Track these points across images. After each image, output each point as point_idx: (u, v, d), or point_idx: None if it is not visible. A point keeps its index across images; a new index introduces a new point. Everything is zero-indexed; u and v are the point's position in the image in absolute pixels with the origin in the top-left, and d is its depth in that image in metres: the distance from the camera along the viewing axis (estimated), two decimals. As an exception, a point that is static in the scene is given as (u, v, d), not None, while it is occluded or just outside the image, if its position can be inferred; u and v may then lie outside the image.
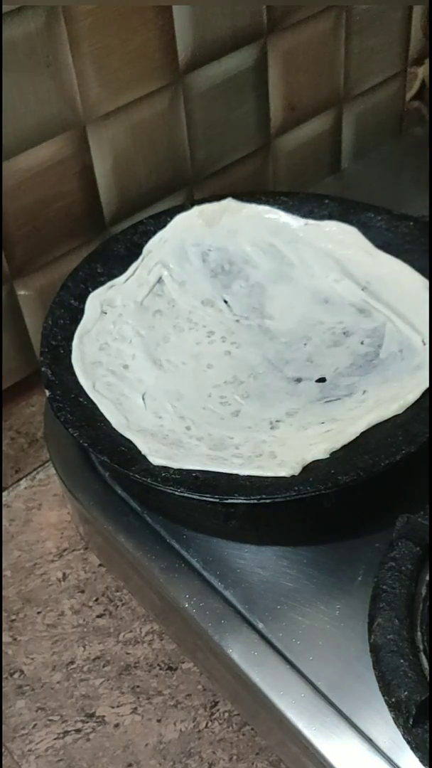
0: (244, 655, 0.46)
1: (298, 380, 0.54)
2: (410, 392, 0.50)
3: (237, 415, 0.52)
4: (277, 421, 0.52)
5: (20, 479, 0.67)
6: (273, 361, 0.56)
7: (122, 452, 0.49)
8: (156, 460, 0.48)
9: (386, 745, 0.42)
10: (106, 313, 0.58)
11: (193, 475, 0.48)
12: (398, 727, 0.41)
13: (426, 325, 0.55)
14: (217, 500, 0.46)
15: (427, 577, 0.45)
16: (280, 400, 0.53)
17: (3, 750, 0.53)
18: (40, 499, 0.66)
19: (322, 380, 0.54)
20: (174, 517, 0.53)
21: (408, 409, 0.50)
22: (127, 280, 0.60)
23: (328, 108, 0.77)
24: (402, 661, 0.41)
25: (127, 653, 0.56)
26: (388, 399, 0.50)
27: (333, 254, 0.61)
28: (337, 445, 0.49)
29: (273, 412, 0.52)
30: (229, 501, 0.46)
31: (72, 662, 0.56)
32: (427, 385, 0.51)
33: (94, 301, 0.58)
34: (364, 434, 0.49)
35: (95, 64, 0.58)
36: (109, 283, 0.59)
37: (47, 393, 0.52)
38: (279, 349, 0.56)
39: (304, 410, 0.52)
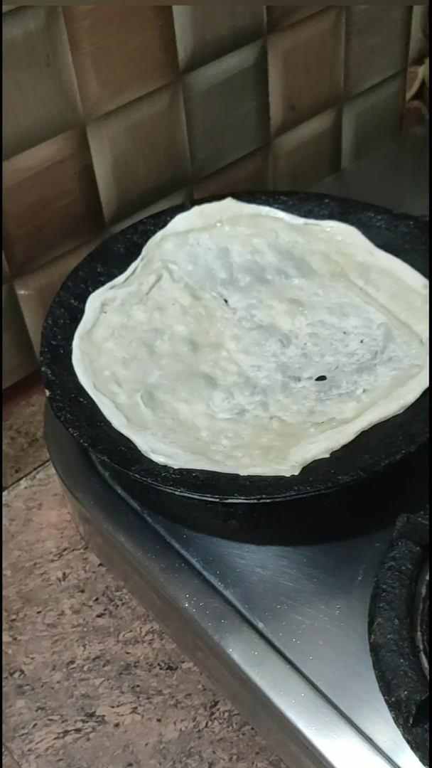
0: (244, 654, 0.46)
1: (298, 379, 0.54)
2: (410, 392, 0.50)
3: (238, 415, 0.52)
4: (277, 419, 0.52)
5: (20, 479, 0.67)
6: (273, 361, 0.56)
7: (122, 452, 0.49)
8: (156, 458, 0.48)
9: (386, 745, 0.42)
10: (106, 312, 0.58)
11: (193, 474, 0.48)
12: (398, 726, 0.41)
13: (425, 325, 0.55)
14: (217, 500, 0.46)
15: (427, 577, 0.45)
16: (280, 399, 0.53)
17: (3, 750, 0.53)
18: (40, 499, 0.66)
19: (321, 379, 0.54)
20: (174, 517, 0.53)
21: (408, 409, 0.50)
22: (126, 279, 0.60)
23: (328, 108, 0.77)
24: (402, 660, 0.41)
25: (127, 653, 0.56)
26: (388, 399, 0.50)
27: (333, 254, 0.61)
28: (337, 445, 0.49)
29: (273, 410, 0.52)
30: (229, 501, 0.46)
31: (72, 662, 0.56)
32: (427, 384, 0.51)
33: (94, 300, 0.58)
34: (364, 434, 0.49)
35: (95, 63, 0.58)
36: (109, 284, 0.59)
37: (47, 393, 0.52)
38: (279, 348, 0.56)
39: (303, 409, 0.52)
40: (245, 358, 0.56)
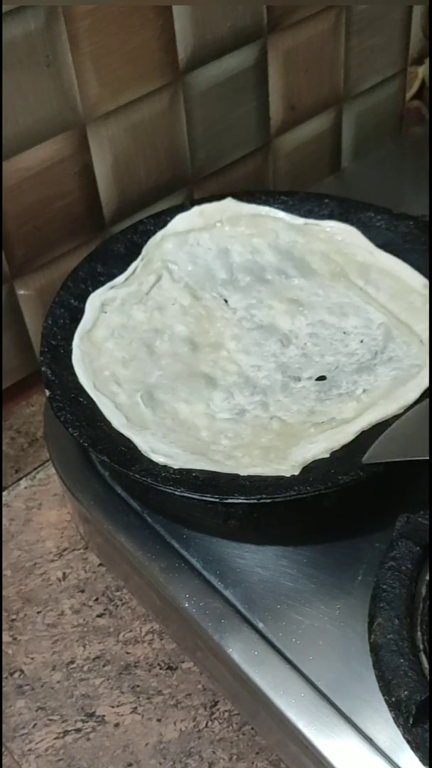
0: (244, 654, 0.46)
1: (298, 379, 0.54)
2: (410, 392, 0.50)
3: (238, 415, 0.52)
4: (277, 419, 0.52)
5: (20, 479, 0.67)
6: (273, 361, 0.56)
7: (122, 452, 0.49)
8: (156, 458, 0.48)
9: (386, 745, 0.42)
10: (106, 312, 0.58)
11: (193, 474, 0.48)
12: (398, 726, 0.41)
13: (425, 325, 0.55)
14: (217, 500, 0.46)
15: (427, 577, 0.45)
16: (280, 399, 0.53)
17: (3, 750, 0.53)
18: (40, 499, 0.66)
19: (321, 379, 0.54)
20: (174, 517, 0.53)
21: (408, 409, 0.50)
22: (127, 279, 0.60)
23: (328, 108, 0.77)
24: (402, 660, 0.41)
25: (127, 653, 0.56)
26: (388, 399, 0.50)
27: (333, 254, 0.61)
28: (337, 445, 0.49)
29: (273, 410, 0.52)
30: (229, 501, 0.46)
31: (72, 662, 0.56)
32: (427, 384, 0.51)
33: (94, 300, 0.58)
34: (364, 434, 0.49)
35: (95, 63, 0.58)
36: (109, 284, 0.59)
37: (47, 393, 0.52)
38: (279, 348, 0.56)
39: (303, 409, 0.52)
40: (245, 358, 0.56)
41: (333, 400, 0.53)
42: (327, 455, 0.48)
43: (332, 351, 0.56)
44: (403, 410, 0.50)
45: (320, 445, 0.49)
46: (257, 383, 0.54)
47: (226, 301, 0.59)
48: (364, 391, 0.52)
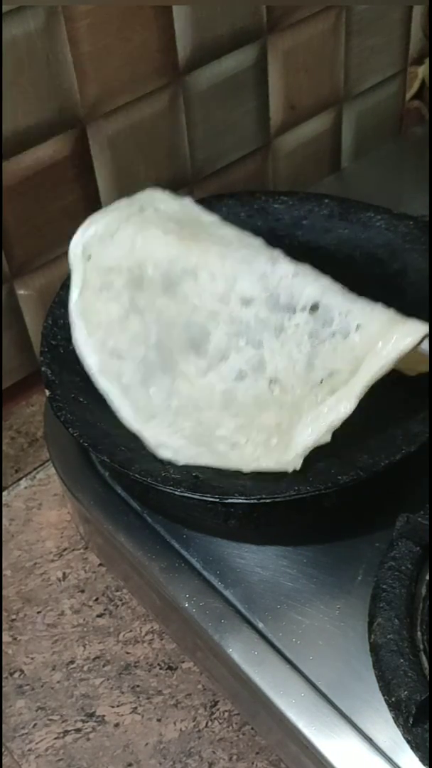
0: (244, 654, 0.46)
1: (293, 311, 0.52)
2: (408, 335, 0.47)
3: (237, 380, 0.51)
4: (277, 384, 0.50)
5: (20, 479, 0.67)
6: (262, 287, 0.52)
7: (122, 452, 0.49)
8: (163, 453, 0.48)
9: (386, 745, 0.42)
10: (89, 259, 0.55)
11: (193, 474, 0.48)
12: (398, 726, 0.41)
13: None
14: (217, 500, 0.46)
15: (427, 577, 0.45)
16: (275, 348, 0.51)
17: (3, 749, 0.53)
18: (40, 499, 0.66)
19: (314, 309, 0.52)
20: (174, 517, 0.53)
21: (407, 409, 0.50)
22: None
23: (328, 107, 0.77)
24: (402, 660, 0.41)
25: (127, 653, 0.56)
26: (385, 341, 0.47)
27: None
28: (338, 421, 0.47)
29: (270, 370, 0.51)
30: (229, 501, 0.46)
31: (72, 662, 0.56)
32: (426, 331, 0.47)
33: (75, 248, 0.55)
34: (363, 434, 0.49)
35: (95, 63, 0.58)
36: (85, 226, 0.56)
37: (47, 393, 0.52)
38: (270, 267, 0.53)
39: (301, 362, 0.50)
40: (232, 286, 0.53)
41: (327, 343, 0.50)
42: (329, 438, 0.47)
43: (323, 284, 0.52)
44: (399, 358, 0.47)
45: (322, 424, 0.47)
46: (249, 323, 0.52)
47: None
48: (357, 327, 0.49)
